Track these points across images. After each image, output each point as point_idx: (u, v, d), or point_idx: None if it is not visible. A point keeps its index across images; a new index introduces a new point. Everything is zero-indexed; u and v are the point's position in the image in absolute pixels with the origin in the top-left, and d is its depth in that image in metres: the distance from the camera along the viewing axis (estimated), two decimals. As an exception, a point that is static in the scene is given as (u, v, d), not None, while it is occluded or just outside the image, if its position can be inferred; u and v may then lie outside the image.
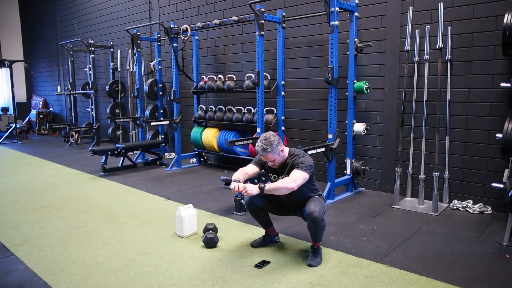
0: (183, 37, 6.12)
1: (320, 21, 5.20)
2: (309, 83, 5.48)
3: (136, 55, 6.99)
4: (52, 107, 12.37)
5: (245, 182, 3.12)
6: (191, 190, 5.12)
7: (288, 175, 2.90)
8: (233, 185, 2.87)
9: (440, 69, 4.16)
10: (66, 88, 10.86)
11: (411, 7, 4.34)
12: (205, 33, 6.81)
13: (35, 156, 7.86)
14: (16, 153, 8.36)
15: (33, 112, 12.20)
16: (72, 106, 9.70)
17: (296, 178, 2.81)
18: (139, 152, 7.03)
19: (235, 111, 6.05)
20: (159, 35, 7.11)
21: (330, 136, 4.45)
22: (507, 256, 3.02)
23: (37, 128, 11.66)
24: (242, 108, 5.96)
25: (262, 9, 4.80)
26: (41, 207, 4.42)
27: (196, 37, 6.65)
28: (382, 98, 4.79)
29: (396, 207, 4.26)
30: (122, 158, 6.35)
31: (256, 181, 4.45)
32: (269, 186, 2.81)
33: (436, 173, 4.14)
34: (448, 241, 3.32)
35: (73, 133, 9.30)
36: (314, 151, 4.16)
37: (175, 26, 6.32)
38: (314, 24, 5.32)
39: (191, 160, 6.99)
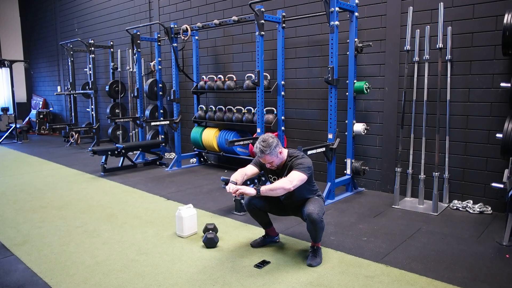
0: (183, 37, 6.12)
1: (320, 21, 5.20)
2: (309, 83, 5.48)
3: (136, 55, 6.99)
4: (52, 107, 12.37)
5: (244, 183, 3.11)
6: (191, 190, 5.12)
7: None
8: (228, 187, 2.86)
9: (440, 69, 4.16)
10: (66, 88, 10.87)
11: (411, 7, 4.34)
12: (205, 33, 6.81)
13: (35, 156, 7.86)
14: (16, 153, 8.36)
15: (33, 112, 12.20)
16: (72, 106, 9.71)
17: (293, 179, 2.80)
18: (139, 152, 7.03)
19: (235, 111, 6.05)
20: (159, 35, 7.11)
21: (330, 136, 4.45)
22: (507, 256, 3.02)
23: (37, 128, 11.66)
24: (242, 108, 5.96)
25: (262, 9, 4.81)
26: (41, 207, 4.42)
27: (196, 37, 6.65)
28: (382, 98, 4.79)
29: (396, 207, 4.26)
30: (122, 158, 6.35)
31: (256, 181, 4.45)
32: (264, 187, 2.80)
33: (436, 173, 4.14)
34: (448, 241, 3.32)
35: (73, 133, 9.30)
36: (314, 151, 4.16)
37: (175, 26, 6.32)
38: (314, 24, 5.32)
39: (191, 160, 6.99)
